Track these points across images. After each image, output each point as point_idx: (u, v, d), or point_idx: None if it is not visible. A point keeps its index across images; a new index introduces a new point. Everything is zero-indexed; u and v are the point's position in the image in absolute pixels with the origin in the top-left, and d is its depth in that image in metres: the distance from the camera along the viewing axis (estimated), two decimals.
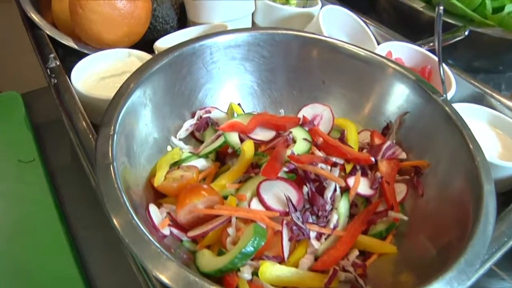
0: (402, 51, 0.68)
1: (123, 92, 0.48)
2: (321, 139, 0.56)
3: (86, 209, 0.67)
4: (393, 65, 0.58)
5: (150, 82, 0.51)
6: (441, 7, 0.52)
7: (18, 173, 0.71)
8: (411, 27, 0.77)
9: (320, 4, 0.77)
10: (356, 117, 0.61)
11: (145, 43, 0.74)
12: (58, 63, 0.61)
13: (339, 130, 0.61)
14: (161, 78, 0.53)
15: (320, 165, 0.51)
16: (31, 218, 0.65)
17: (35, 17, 0.71)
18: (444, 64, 0.64)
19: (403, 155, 0.56)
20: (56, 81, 0.58)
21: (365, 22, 0.75)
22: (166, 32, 0.76)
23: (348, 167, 0.54)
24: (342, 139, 0.58)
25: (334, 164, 0.52)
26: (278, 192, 0.48)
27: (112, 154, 0.42)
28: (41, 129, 0.81)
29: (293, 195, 0.48)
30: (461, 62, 0.76)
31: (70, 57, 0.70)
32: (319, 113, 0.62)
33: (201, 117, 0.58)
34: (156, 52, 0.67)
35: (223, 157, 0.56)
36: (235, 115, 0.59)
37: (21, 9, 0.74)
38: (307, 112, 0.63)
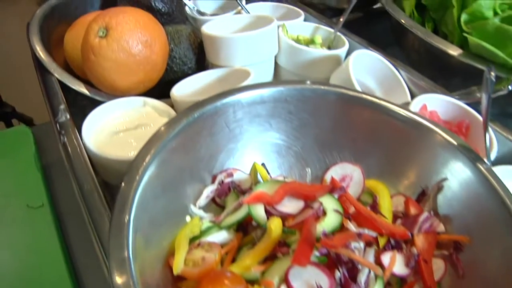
0: (438, 103, 0.63)
1: (138, 167, 0.43)
2: (352, 208, 0.51)
3: (96, 260, 0.63)
4: (434, 128, 0.53)
5: (168, 150, 0.47)
6: (492, 73, 0.47)
7: (26, 220, 0.68)
8: (442, 72, 0.72)
9: (347, 44, 0.72)
10: (388, 179, 0.57)
11: (161, 85, 0.70)
12: (68, 116, 0.57)
13: (371, 194, 0.56)
14: (179, 144, 0.48)
15: (353, 244, 0.46)
16: (38, 268, 0.61)
17: (45, 58, 0.67)
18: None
19: (441, 228, 0.51)
20: (65, 139, 0.53)
21: (395, 67, 0.69)
22: (184, 74, 0.72)
23: (382, 240, 0.49)
24: (375, 206, 0.53)
25: (369, 243, 0.48)
26: (309, 279, 0.43)
27: (127, 245, 0.37)
28: (51, 169, 0.78)
29: (325, 282, 0.43)
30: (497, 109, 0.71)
31: (82, 100, 0.66)
32: (349, 173, 0.58)
33: (222, 182, 0.53)
34: (173, 100, 0.62)
35: (245, 225, 0.52)
36: (259, 176, 0.55)
37: (31, 47, 0.70)
38: (336, 172, 0.58)
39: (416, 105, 0.62)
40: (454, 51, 0.68)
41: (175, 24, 0.79)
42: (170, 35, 0.72)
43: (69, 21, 0.77)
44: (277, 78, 0.76)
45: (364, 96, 0.57)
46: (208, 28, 0.70)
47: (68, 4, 0.78)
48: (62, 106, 0.59)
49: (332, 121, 0.58)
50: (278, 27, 0.73)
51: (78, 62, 0.71)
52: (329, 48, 0.77)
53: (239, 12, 0.84)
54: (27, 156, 0.79)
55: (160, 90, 0.69)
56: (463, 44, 0.69)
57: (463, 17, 0.67)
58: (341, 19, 0.76)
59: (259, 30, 0.66)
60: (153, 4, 0.75)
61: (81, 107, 0.70)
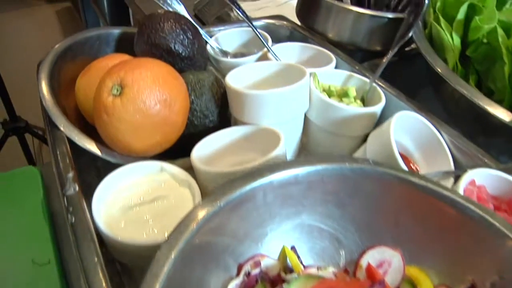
0: (486, 177, 0.57)
1: (160, 267, 0.37)
2: None
3: None
4: (491, 219, 0.46)
5: (191, 246, 0.40)
6: None
7: (31, 278, 0.62)
8: (490, 136, 0.65)
9: (383, 100, 0.65)
10: (432, 267, 0.50)
11: (180, 139, 0.63)
12: (77, 188, 0.51)
13: (411, 283, 0.49)
14: (202, 239, 0.42)
15: None
16: None
17: (52, 110, 0.61)
18: None
19: None
20: (73, 219, 0.47)
21: (438, 129, 0.63)
22: (205, 127, 0.66)
23: None
24: None
25: None
26: None
27: None
28: (58, 217, 0.72)
29: None
30: None
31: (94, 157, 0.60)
32: (387, 259, 0.51)
33: (249, 273, 0.47)
34: (193, 167, 0.56)
35: None
36: (288, 261, 0.49)
37: (39, 93, 0.64)
38: (373, 257, 0.51)
39: (464, 181, 0.55)
40: (504, 115, 0.61)
41: (195, 68, 0.73)
42: (191, 86, 0.65)
43: (83, 62, 0.72)
44: (307, 133, 0.69)
45: (410, 177, 0.50)
46: (232, 80, 0.63)
47: (83, 43, 0.72)
48: (71, 175, 0.53)
49: (372, 202, 0.51)
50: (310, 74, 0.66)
51: (90, 111, 0.65)
52: (363, 100, 0.70)
53: (265, 54, 0.77)
54: (34, 203, 0.74)
55: (179, 145, 0.63)
56: None
57: None
58: (379, 69, 0.69)
59: (290, 87, 0.60)
60: (173, 48, 0.69)
61: (91, 162, 0.64)
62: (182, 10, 0.79)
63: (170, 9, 0.78)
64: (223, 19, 1.29)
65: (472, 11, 0.70)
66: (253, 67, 0.69)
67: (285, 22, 0.90)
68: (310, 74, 0.68)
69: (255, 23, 0.88)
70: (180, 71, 0.71)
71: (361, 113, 0.64)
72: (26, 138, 1.92)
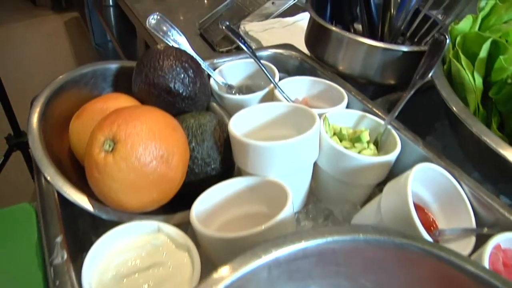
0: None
1: None
2: None
3: None
4: None
5: None
6: None
7: None
8: (509, 184, 0.60)
9: (398, 147, 0.60)
10: None
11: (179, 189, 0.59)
12: (65, 256, 0.47)
13: None
14: None
15: None
16: None
17: (41, 160, 0.57)
18: None
19: None
20: None
21: (458, 181, 0.58)
22: (206, 175, 0.61)
23: None
24: None
25: None
26: None
27: None
28: None
29: None
30: None
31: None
32: None
33: None
34: (193, 226, 0.51)
35: None
36: None
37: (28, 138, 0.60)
38: None
39: (490, 246, 0.50)
40: None
41: (197, 107, 0.69)
42: (192, 132, 0.61)
43: (79, 100, 0.68)
44: (316, 179, 0.64)
45: (427, 247, 0.45)
46: (236, 125, 0.59)
47: (77, 80, 0.68)
48: (59, 239, 0.48)
49: (387, 274, 0.47)
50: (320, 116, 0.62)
51: (84, 156, 0.60)
52: (376, 143, 0.65)
53: (272, 90, 0.72)
54: (27, 245, 0.69)
55: (178, 194, 0.59)
56: None
57: None
58: (394, 111, 0.64)
59: (298, 138, 0.55)
60: (172, 88, 0.65)
61: (82, 217, 0.60)
62: (183, 42, 0.74)
63: (171, 42, 0.74)
64: (230, 39, 1.24)
65: (496, 48, 0.65)
66: (258, 109, 0.64)
67: (293, 52, 0.84)
68: (321, 116, 0.63)
69: (262, 53, 0.83)
70: (181, 111, 0.67)
71: (374, 162, 0.59)
72: (30, 153, 1.89)
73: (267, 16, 1.24)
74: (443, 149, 0.75)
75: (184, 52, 0.68)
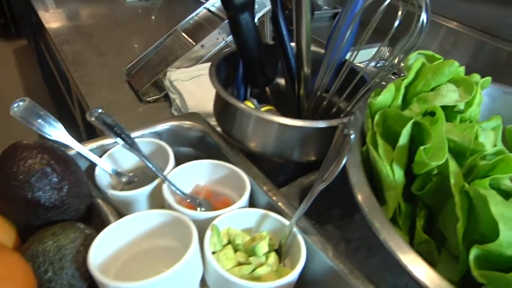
0: None
1: None
2: None
3: None
4: None
5: None
6: None
7: None
8: None
9: (302, 261, 0.51)
10: None
11: None
12: None
13: None
14: None
15: None
16: None
17: None
18: None
19: None
20: None
21: None
22: None
23: None
24: None
25: None
26: None
27: None
28: None
29: None
30: None
31: None
32: None
33: None
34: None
35: None
36: None
37: None
38: None
39: None
40: None
41: (69, 215, 0.57)
42: (48, 259, 0.50)
43: None
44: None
45: None
46: (99, 251, 0.48)
47: None
48: None
49: None
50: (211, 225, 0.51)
51: None
52: (279, 249, 0.55)
53: (159, 185, 0.61)
54: None
55: None
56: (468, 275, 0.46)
57: (474, 252, 0.44)
58: (299, 210, 0.53)
59: (166, 274, 0.44)
60: (29, 196, 0.53)
61: None
62: (58, 133, 0.62)
63: (44, 132, 0.62)
64: (159, 86, 1.13)
65: (419, 130, 0.55)
66: (135, 219, 0.53)
67: (197, 124, 0.73)
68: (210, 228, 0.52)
69: (158, 128, 0.72)
70: (48, 221, 0.55)
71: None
72: None
73: (197, 60, 1.13)
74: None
75: (50, 149, 0.57)
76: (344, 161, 0.48)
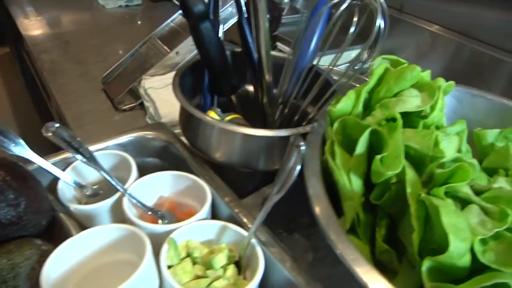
0: None
1: None
2: None
3: None
4: None
5: None
6: None
7: None
8: None
9: (259, 272, 0.51)
10: None
11: None
12: None
13: None
14: None
15: None
16: None
17: None
18: None
19: None
20: None
21: None
22: None
23: None
24: None
25: None
26: None
27: None
28: None
29: None
30: None
31: None
32: None
33: None
34: None
35: None
36: None
37: None
38: None
39: None
40: None
41: (29, 231, 0.56)
42: (1, 277, 0.49)
43: None
44: None
45: None
46: (56, 267, 0.48)
47: None
48: None
49: None
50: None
51: None
52: (239, 261, 0.54)
53: (121, 197, 0.61)
54: None
55: None
56: None
57: (426, 264, 0.44)
58: (256, 221, 0.53)
59: None
60: None
61: None
62: (18, 149, 0.61)
63: (5, 147, 0.61)
64: (134, 94, 1.12)
65: (376, 139, 0.54)
66: (86, 237, 0.53)
67: (161, 135, 0.72)
68: (167, 240, 0.52)
69: (122, 139, 0.71)
70: (7, 238, 0.55)
71: None
72: None
73: (172, 67, 1.12)
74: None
75: (7, 165, 0.56)
76: (295, 173, 0.47)
